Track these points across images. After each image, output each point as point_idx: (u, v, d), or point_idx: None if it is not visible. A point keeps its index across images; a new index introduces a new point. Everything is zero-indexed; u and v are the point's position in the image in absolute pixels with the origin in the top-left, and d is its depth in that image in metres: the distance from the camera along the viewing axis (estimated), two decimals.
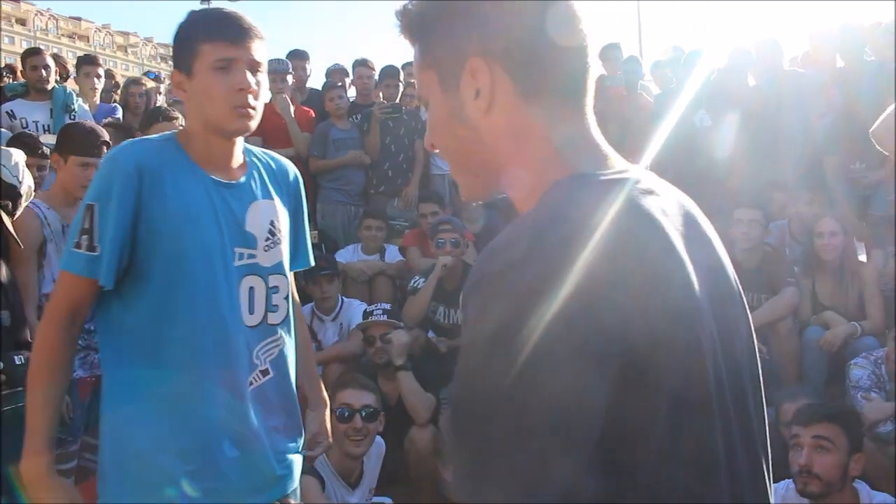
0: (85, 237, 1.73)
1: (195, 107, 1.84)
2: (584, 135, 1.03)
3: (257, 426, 1.87)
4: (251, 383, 1.87)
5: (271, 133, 6.08)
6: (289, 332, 1.98)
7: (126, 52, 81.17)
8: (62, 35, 74.49)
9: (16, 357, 2.68)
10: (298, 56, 6.97)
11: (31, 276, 3.31)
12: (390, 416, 3.85)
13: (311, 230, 5.30)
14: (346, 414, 3.37)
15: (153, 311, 1.78)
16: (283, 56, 6.74)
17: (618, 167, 1.01)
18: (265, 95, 1.88)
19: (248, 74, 1.79)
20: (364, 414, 3.38)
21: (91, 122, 3.92)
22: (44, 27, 73.60)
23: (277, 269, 1.93)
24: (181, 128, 1.95)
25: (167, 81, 10.98)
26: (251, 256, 1.86)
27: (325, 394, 2.30)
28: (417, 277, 4.99)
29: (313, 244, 5.27)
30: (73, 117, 5.49)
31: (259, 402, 1.88)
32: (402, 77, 6.66)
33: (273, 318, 1.91)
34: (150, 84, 6.58)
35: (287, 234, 1.99)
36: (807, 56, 6.42)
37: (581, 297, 0.80)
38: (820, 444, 2.82)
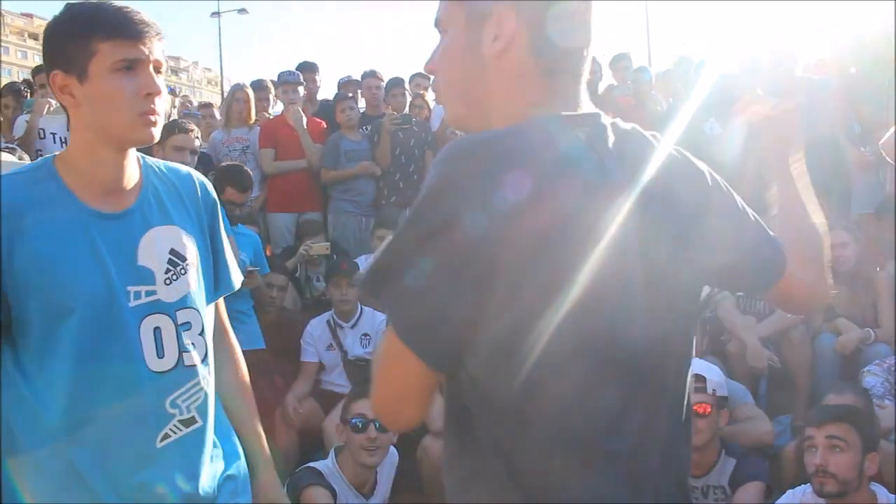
0: None
1: (88, 115, 1.58)
2: (577, 99, 1.17)
3: (170, 489, 1.64)
4: (167, 436, 1.63)
5: (284, 145, 6.13)
6: (212, 370, 1.75)
7: None
8: None
9: None
10: (308, 68, 7.03)
11: None
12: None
13: (323, 241, 5.40)
14: (361, 424, 3.38)
15: (33, 376, 1.56)
16: (292, 68, 6.80)
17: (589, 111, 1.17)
18: (167, 101, 1.71)
19: (154, 76, 1.59)
20: (378, 424, 3.38)
21: None
22: None
23: (185, 302, 1.67)
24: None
25: (181, 94, 11.08)
26: (150, 293, 1.62)
27: (268, 451, 1.97)
28: None
29: (325, 256, 5.36)
30: None
31: (179, 457, 1.65)
32: (408, 88, 6.69)
33: (190, 359, 1.67)
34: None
35: (197, 260, 1.73)
36: (821, 62, 6.42)
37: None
38: (833, 444, 2.83)
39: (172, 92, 9.27)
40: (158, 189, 1.71)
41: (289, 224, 6.12)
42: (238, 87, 6.49)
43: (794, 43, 5.75)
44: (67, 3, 1.62)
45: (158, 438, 1.62)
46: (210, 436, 1.72)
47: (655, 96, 6.65)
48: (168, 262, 1.66)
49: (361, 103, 6.87)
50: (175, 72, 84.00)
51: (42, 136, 5.46)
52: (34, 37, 72.14)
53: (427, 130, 6.32)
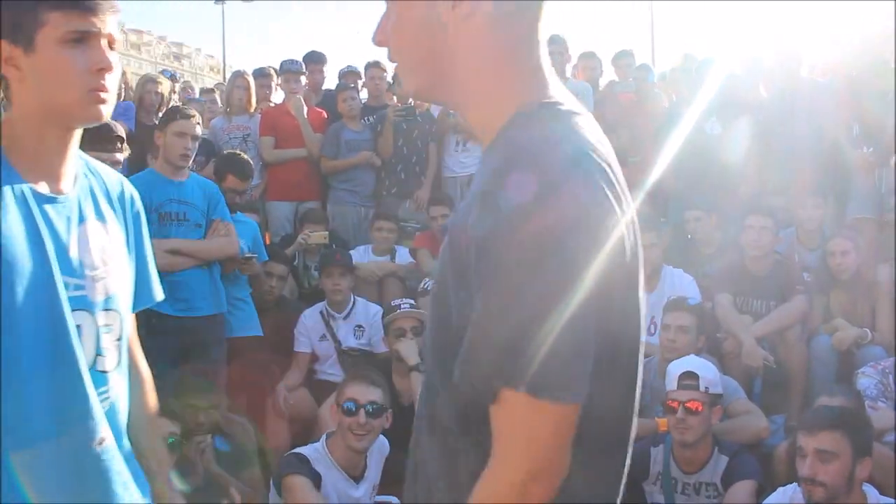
0: None
1: (34, 89, 1.46)
2: (544, 67, 1.17)
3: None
4: (102, 441, 1.53)
5: (284, 134, 6.13)
6: (124, 380, 1.62)
7: (139, 50, 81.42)
8: None
9: None
10: (315, 59, 7.02)
11: None
12: (403, 415, 3.87)
13: (322, 230, 5.40)
14: (353, 408, 3.40)
15: None
16: (296, 57, 6.79)
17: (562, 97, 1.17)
18: (119, 78, 1.56)
19: (107, 51, 1.48)
20: (369, 409, 3.40)
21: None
22: None
23: (109, 303, 1.56)
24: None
25: (183, 80, 11.07)
26: (78, 287, 1.50)
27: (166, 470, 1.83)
28: (427, 280, 5.02)
29: (325, 245, 5.37)
30: None
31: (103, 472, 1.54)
32: None
33: (103, 364, 1.54)
34: (166, 82, 6.61)
35: (123, 265, 1.63)
36: (827, 63, 6.42)
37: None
38: (824, 458, 2.82)
39: (173, 77, 9.24)
40: (94, 186, 1.61)
41: (288, 213, 6.12)
42: (238, 74, 6.49)
43: (799, 44, 5.75)
44: None
45: (97, 442, 1.53)
46: (115, 450, 1.58)
47: (658, 94, 6.65)
48: (99, 260, 1.55)
49: (364, 93, 6.87)
50: (178, 58, 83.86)
51: None
52: None
53: (431, 122, 6.32)
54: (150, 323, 3.85)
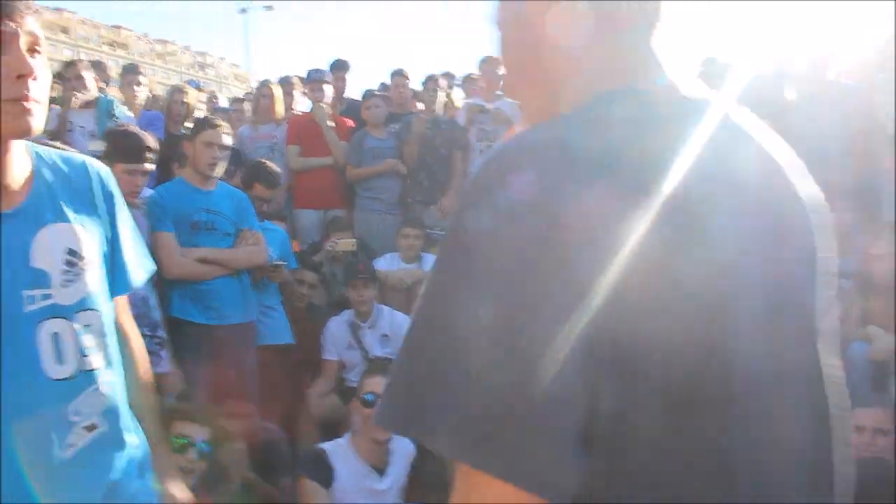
0: None
1: None
2: (653, 52, 0.94)
3: (84, 494, 1.55)
4: (72, 445, 1.52)
5: (310, 142, 6.16)
6: (117, 372, 1.64)
7: (164, 59, 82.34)
8: (103, 43, 75.76)
9: None
10: (340, 67, 7.06)
11: None
12: None
13: (349, 238, 5.42)
14: (370, 399, 3.41)
15: None
16: (318, 66, 6.83)
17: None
18: (47, 85, 1.45)
19: (27, 55, 1.38)
20: (370, 399, 3.42)
21: (136, 128, 4.00)
22: (86, 36, 74.95)
23: (85, 303, 1.55)
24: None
25: (209, 90, 11.17)
26: (46, 297, 1.48)
27: (164, 444, 1.86)
28: None
29: (352, 252, 5.38)
30: (116, 124, 5.63)
31: (86, 465, 1.55)
32: (442, 85, 6.67)
33: (91, 363, 1.55)
34: (192, 92, 6.68)
35: (98, 257, 1.60)
36: (855, 65, 6.35)
37: None
38: None
39: (198, 87, 9.33)
40: (51, 183, 1.55)
41: (315, 221, 6.15)
42: (264, 84, 6.55)
43: (829, 46, 5.69)
44: None
45: (65, 449, 1.52)
46: (118, 439, 1.63)
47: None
48: (65, 263, 1.52)
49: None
50: (202, 67, 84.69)
51: (70, 128, 5.53)
52: (65, 30, 73.00)
53: (454, 129, 6.33)
54: (181, 331, 3.91)
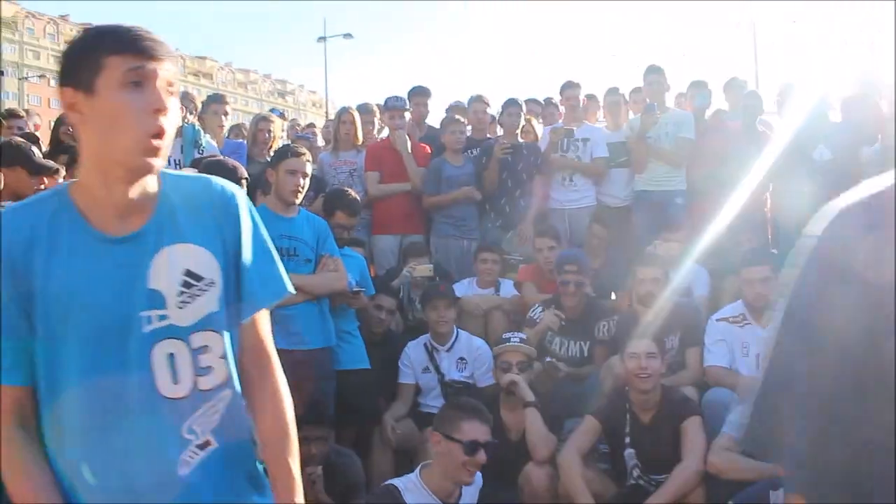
0: None
1: (95, 132, 1.50)
2: None
3: None
4: (186, 463, 1.57)
5: (389, 168, 6.24)
6: (234, 390, 1.66)
7: (246, 88, 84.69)
8: (188, 73, 78.41)
9: None
10: (420, 92, 7.12)
11: None
12: (509, 449, 3.85)
13: (426, 263, 5.46)
14: (474, 448, 3.38)
15: (46, 404, 1.53)
16: (396, 93, 6.91)
17: None
18: (175, 125, 1.57)
19: (163, 93, 1.50)
20: (488, 451, 3.40)
21: (232, 160, 4.10)
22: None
23: (204, 324, 1.59)
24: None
25: (290, 118, 11.42)
26: (162, 318, 1.54)
27: (297, 482, 1.72)
28: (537, 306, 5.04)
29: (430, 277, 5.41)
30: (201, 152, 5.80)
31: (200, 482, 1.59)
32: (524, 109, 6.68)
33: (205, 383, 1.59)
34: (277, 121, 6.84)
35: (219, 278, 1.62)
36: None
37: None
38: None
39: (282, 116, 9.55)
40: (175, 205, 1.61)
41: (393, 246, 6.20)
42: (344, 111, 6.65)
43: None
44: (87, 26, 1.60)
45: (178, 466, 1.57)
46: (233, 456, 1.65)
47: (765, 121, 6.47)
48: (182, 284, 1.57)
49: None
50: (282, 94, 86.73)
51: None
52: None
53: (536, 154, 6.32)
54: None
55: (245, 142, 6.77)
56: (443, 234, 6.24)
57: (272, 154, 5.31)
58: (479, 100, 6.89)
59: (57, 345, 1.50)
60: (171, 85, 1.52)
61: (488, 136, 6.76)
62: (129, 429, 1.52)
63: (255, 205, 4.73)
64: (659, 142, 6.16)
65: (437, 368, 4.85)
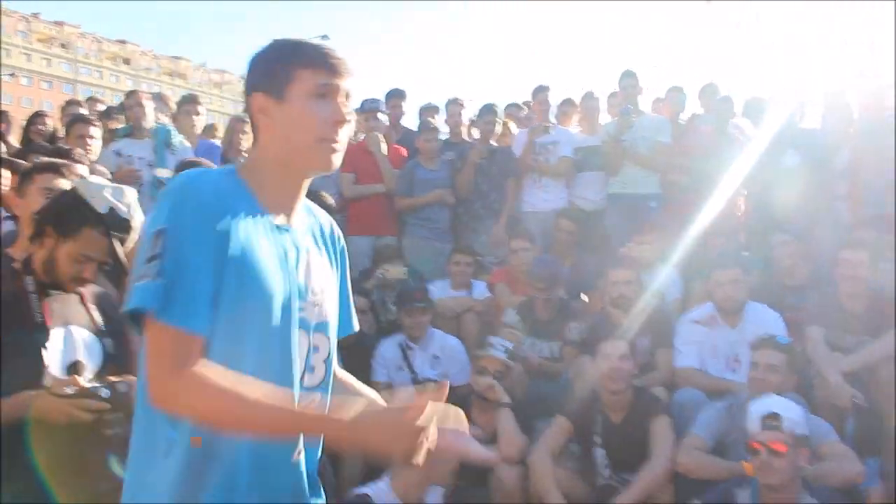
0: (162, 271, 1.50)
1: (279, 135, 1.65)
2: None
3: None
4: (300, 452, 1.68)
5: (364, 170, 6.25)
6: (326, 398, 1.74)
7: (221, 88, 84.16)
8: (163, 73, 77.83)
9: (120, 385, 2.75)
10: (396, 95, 7.14)
11: None
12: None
13: (400, 265, 5.47)
14: None
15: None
16: (373, 95, 6.92)
17: None
18: (350, 130, 1.72)
19: (344, 106, 1.66)
20: None
21: (206, 162, 4.10)
22: (147, 66, 77.06)
23: (321, 328, 1.72)
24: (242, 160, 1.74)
25: None
26: (301, 309, 1.67)
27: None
28: (510, 310, 5.09)
29: (402, 280, 5.41)
30: (173, 153, 5.78)
31: (300, 476, 1.70)
32: (499, 115, 6.72)
33: (310, 380, 1.69)
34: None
35: (333, 295, 1.79)
36: None
37: None
38: None
39: None
40: (312, 223, 1.79)
41: (366, 247, 6.21)
42: None
43: (887, 74, 5.64)
44: (274, 39, 1.72)
45: (295, 454, 1.67)
46: (310, 458, 1.73)
47: (737, 125, 6.56)
48: (318, 287, 1.71)
49: (443, 128, 6.95)
50: None
51: (129, 162, 5.65)
52: (127, 62, 75.01)
53: (510, 159, 6.36)
54: None
55: (218, 143, 6.75)
56: (416, 236, 6.26)
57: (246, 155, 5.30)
58: (455, 103, 6.92)
59: (235, 314, 1.55)
60: (349, 96, 1.67)
61: (465, 138, 6.79)
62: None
63: None
64: (635, 145, 6.22)
65: (411, 367, 4.87)
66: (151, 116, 5.99)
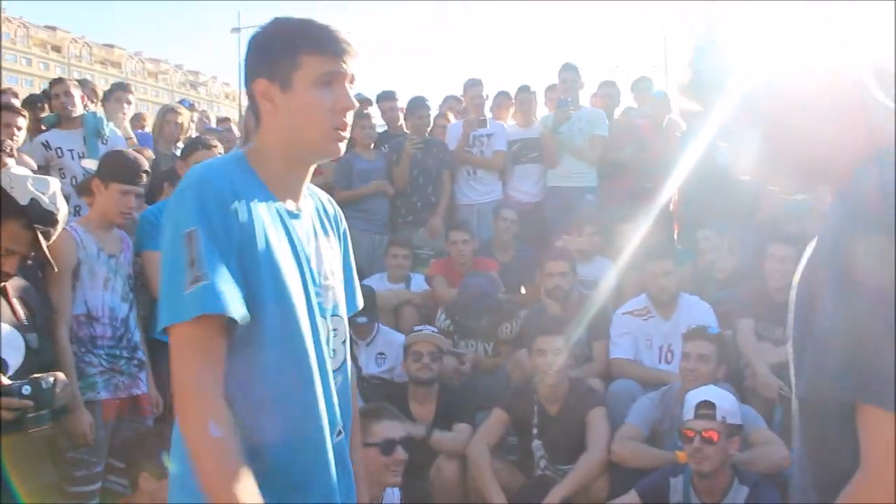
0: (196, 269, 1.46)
1: (285, 122, 1.61)
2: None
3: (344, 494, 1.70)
4: (340, 433, 1.69)
5: None
6: (347, 379, 1.78)
7: (156, 78, 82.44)
8: (95, 62, 75.83)
9: (43, 381, 2.69)
10: None
11: (65, 297, 3.37)
12: (417, 443, 3.86)
13: None
14: (391, 447, 3.36)
15: (242, 356, 1.53)
16: None
17: None
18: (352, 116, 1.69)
19: (350, 92, 1.63)
20: (404, 446, 3.39)
21: (134, 152, 3.99)
22: (78, 54, 74.97)
23: (336, 310, 1.72)
24: (248, 147, 1.71)
25: (200, 109, 11.16)
26: (318, 294, 1.65)
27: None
28: (440, 313, 5.05)
29: None
30: (105, 142, 5.60)
31: (339, 464, 1.68)
32: (431, 108, 6.72)
33: (332, 363, 1.69)
34: (186, 112, 6.66)
35: (340, 276, 1.79)
36: None
37: None
38: None
39: (192, 107, 9.31)
40: (317, 205, 1.77)
41: None
42: None
43: (823, 62, 5.75)
44: (275, 18, 1.65)
45: (336, 434, 1.67)
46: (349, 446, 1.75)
47: (673, 120, 6.66)
48: (328, 271, 1.70)
49: (378, 120, 6.92)
50: (194, 86, 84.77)
51: (60, 154, 5.47)
52: (57, 49, 72.97)
53: (445, 151, 6.36)
54: (163, 353, 3.88)
55: (149, 132, 6.60)
56: (353, 229, 6.14)
57: (182, 146, 5.20)
58: (390, 97, 6.89)
59: (263, 308, 1.52)
60: (353, 80, 1.63)
61: (402, 131, 6.77)
62: (297, 390, 1.59)
63: (161, 198, 4.66)
64: (572, 138, 6.27)
65: (355, 362, 4.83)
66: (80, 105, 5.80)
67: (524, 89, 6.79)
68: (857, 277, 1.13)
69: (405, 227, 6.18)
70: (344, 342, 1.76)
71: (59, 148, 5.46)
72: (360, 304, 1.94)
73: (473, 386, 4.62)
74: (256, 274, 1.52)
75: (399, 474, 3.39)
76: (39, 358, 2.91)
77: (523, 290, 5.58)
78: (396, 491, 3.65)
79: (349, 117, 1.63)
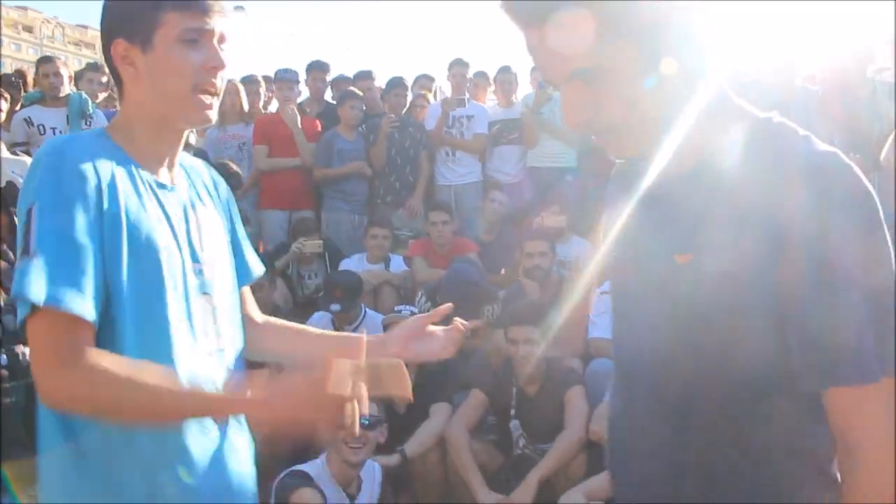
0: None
1: (149, 86, 1.49)
2: None
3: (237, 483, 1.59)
4: (221, 426, 1.55)
5: (278, 142, 6.13)
6: (241, 361, 1.65)
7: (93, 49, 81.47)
8: (68, 43, 74.82)
9: (20, 352, 2.68)
10: (318, 67, 6.98)
11: None
12: (397, 421, 3.86)
13: (315, 239, 5.40)
14: (369, 422, 3.37)
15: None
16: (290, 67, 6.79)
17: None
18: (225, 79, 1.56)
19: (219, 49, 1.51)
20: (365, 423, 3.37)
21: None
22: (50, 35, 73.95)
23: (219, 287, 1.59)
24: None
25: None
26: (199, 272, 1.53)
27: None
28: (420, 294, 5.03)
29: (318, 253, 5.34)
30: (88, 123, 5.55)
31: (229, 451, 1.56)
32: (409, 89, 6.69)
33: (216, 343, 1.56)
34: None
35: (227, 247, 1.67)
36: (821, 72, 6.45)
37: None
38: None
39: None
40: (191, 175, 1.65)
41: (281, 221, 6.11)
42: (228, 82, 6.46)
43: (794, 53, 5.76)
44: None
45: (213, 430, 1.54)
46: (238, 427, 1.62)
47: None
48: (209, 245, 1.58)
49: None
50: None
51: (42, 132, 5.41)
52: (29, 29, 71.91)
53: (422, 131, 6.33)
54: None
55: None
56: (334, 210, 6.19)
57: None
58: (367, 76, 6.85)
59: (128, 287, 1.41)
60: (222, 41, 1.52)
61: (379, 112, 6.73)
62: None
63: None
64: (553, 118, 6.25)
65: None
66: (68, 85, 5.75)
67: (505, 70, 6.76)
68: None
69: (384, 208, 6.16)
70: (231, 322, 1.61)
71: (42, 125, 5.43)
72: (260, 270, 1.80)
73: (452, 365, 4.61)
74: (117, 253, 1.39)
75: (360, 452, 3.41)
76: (18, 336, 2.89)
77: (503, 272, 5.58)
78: (377, 468, 3.65)
79: (220, 79, 1.51)
